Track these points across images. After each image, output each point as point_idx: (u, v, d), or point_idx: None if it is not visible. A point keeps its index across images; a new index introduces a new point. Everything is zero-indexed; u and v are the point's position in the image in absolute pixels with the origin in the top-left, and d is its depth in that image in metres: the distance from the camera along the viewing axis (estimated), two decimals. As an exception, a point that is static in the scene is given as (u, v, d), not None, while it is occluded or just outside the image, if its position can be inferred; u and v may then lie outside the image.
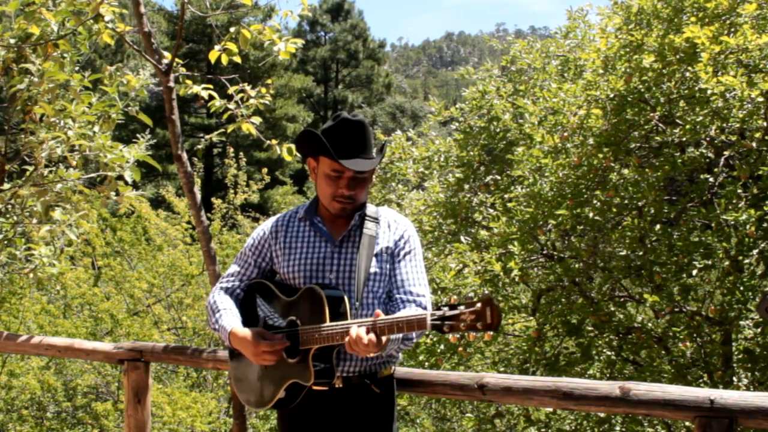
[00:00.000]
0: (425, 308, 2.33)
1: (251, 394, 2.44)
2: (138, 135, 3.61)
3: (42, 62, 3.57)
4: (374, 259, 2.35)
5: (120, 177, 3.57)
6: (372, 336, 2.10)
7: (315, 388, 2.29)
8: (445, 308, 2.02)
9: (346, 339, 2.13)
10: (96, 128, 3.65)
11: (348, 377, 2.31)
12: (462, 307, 1.99)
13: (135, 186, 3.64)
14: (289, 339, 2.29)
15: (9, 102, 3.72)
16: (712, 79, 4.19)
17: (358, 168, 2.29)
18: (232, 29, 3.57)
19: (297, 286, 2.36)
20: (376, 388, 2.35)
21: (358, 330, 2.11)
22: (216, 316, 2.42)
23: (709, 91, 4.24)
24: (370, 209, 2.43)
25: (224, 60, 3.61)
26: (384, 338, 2.12)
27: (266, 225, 2.53)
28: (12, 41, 3.60)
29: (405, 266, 2.38)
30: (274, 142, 3.82)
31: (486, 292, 2.06)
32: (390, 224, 2.42)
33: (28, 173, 3.78)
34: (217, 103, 3.75)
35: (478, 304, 1.97)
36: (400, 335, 2.20)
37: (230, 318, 2.39)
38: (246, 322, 2.41)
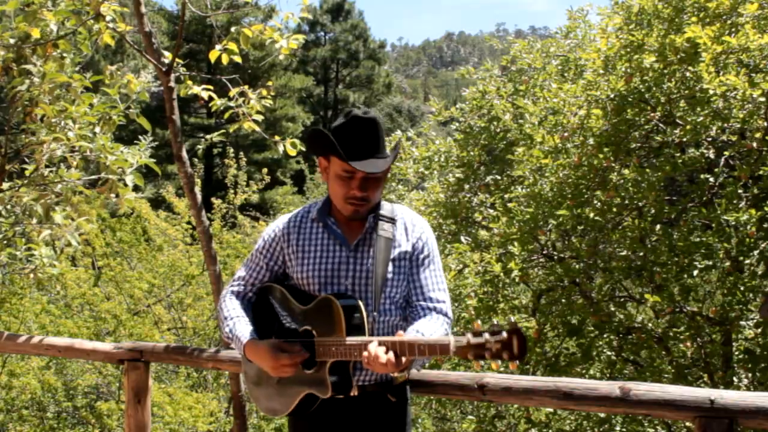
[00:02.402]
0: (446, 314, 2.27)
1: (266, 401, 2.39)
2: (139, 136, 3.61)
3: (42, 63, 3.57)
4: (391, 264, 2.27)
5: (121, 179, 3.57)
6: (391, 355, 2.02)
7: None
8: (469, 335, 1.92)
9: (364, 354, 2.05)
10: (97, 129, 3.65)
11: (363, 386, 2.26)
12: (487, 335, 1.90)
13: (136, 188, 3.64)
14: (305, 349, 2.23)
15: (9, 102, 3.71)
16: (715, 80, 4.18)
17: (370, 169, 2.17)
18: (233, 29, 3.58)
19: (312, 293, 2.28)
20: (392, 396, 2.29)
21: (377, 349, 2.03)
22: (229, 324, 2.33)
23: (711, 92, 4.23)
24: (386, 208, 2.34)
25: (225, 60, 3.61)
26: (404, 359, 2.04)
27: (277, 225, 2.42)
28: (12, 41, 3.60)
29: (424, 271, 2.31)
30: (277, 138, 3.82)
31: (512, 320, 1.93)
32: (407, 226, 2.33)
33: (28, 173, 3.77)
34: (218, 102, 3.76)
35: (504, 333, 1.88)
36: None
37: (244, 327, 2.31)
38: (259, 328, 2.33)
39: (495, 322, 1.92)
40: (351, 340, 2.11)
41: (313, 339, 2.21)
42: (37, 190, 3.68)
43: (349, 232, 2.31)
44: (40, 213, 3.57)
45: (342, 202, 2.26)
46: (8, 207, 3.94)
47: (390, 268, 2.26)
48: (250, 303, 2.43)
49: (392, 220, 2.32)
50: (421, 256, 2.32)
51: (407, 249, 2.30)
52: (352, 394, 2.23)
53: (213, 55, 3.62)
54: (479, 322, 1.97)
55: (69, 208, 3.69)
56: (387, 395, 2.29)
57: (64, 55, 3.68)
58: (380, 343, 2.05)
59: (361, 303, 2.20)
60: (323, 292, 2.25)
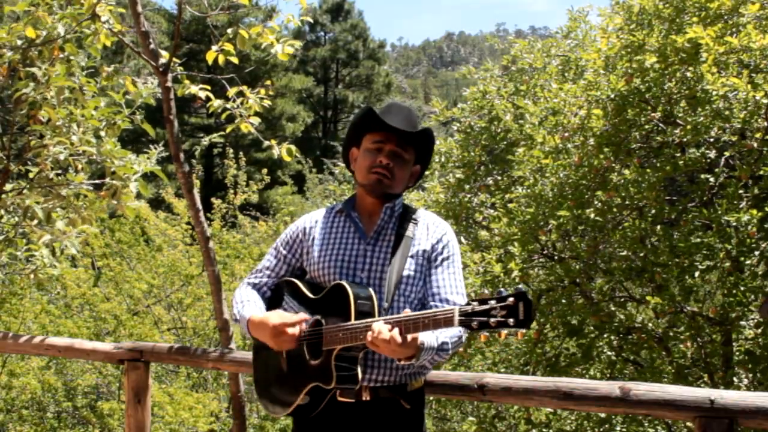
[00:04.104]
0: None
1: (271, 398, 2.34)
2: (142, 138, 3.61)
3: (48, 66, 3.56)
4: (409, 260, 2.24)
5: (125, 186, 3.57)
6: (396, 333, 1.96)
7: (340, 399, 2.17)
8: (474, 303, 1.87)
9: (368, 334, 1.99)
10: (102, 133, 3.65)
11: (376, 389, 2.18)
12: (492, 302, 1.84)
13: (138, 195, 3.63)
14: (314, 340, 2.20)
15: (14, 105, 3.71)
16: (718, 81, 4.18)
17: (398, 125, 2.22)
18: (230, 30, 3.57)
19: (327, 284, 2.26)
20: (406, 403, 2.21)
21: (380, 325, 1.98)
22: (238, 307, 2.34)
23: (714, 93, 4.23)
24: (409, 209, 2.36)
25: (221, 61, 3.61)
26: (410, 337, 1.98)
27: (301, 220, 2.44)
28: (19, 42, 3.60)
29: (442, 273, 2.26)
30: (273, 142, 3.81)
31: (520, 286, 1.87)
32: (429, 226, 2.32)
33: (32, 175, 3.77)
34: (216, 103, 3.74)
35: (511, 299, 1.83)
36: (435, 345, 2.09)
37: (251, 308, 2.30)
38: None
39: (501, 290, 1.87)
40: (358, 322, 2.07)
41: (322, 328, 2.18)
42: (41, 193, 3.68)
43: (369, 225, 2.32)
44: (41, 217, 3.56)
45: (366, 173, 2.28)
46: (10, 209, 3.95)
47: (407, 264, 2.24)
48: (266, 298, 2.41)
49: (414, 220, 2.32)
50: (440, 258, 2.28)
51: (426, 248, 2.28)
52: (363, 398, 2.17)
53: (210, 56, 3.62)
54: (486, 291, 1.91)
55: (73, 214, 3.68)
56: (401, 401, 2.21)
57: (71, 57, 3.67)
58: (385, 321, 2.01)
59: (373, 292, 2.17)
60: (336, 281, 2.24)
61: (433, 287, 2.25)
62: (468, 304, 1.89)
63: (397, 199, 2.34)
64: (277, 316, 2.20)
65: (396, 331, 1.97)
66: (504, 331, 1.85)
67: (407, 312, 2.02)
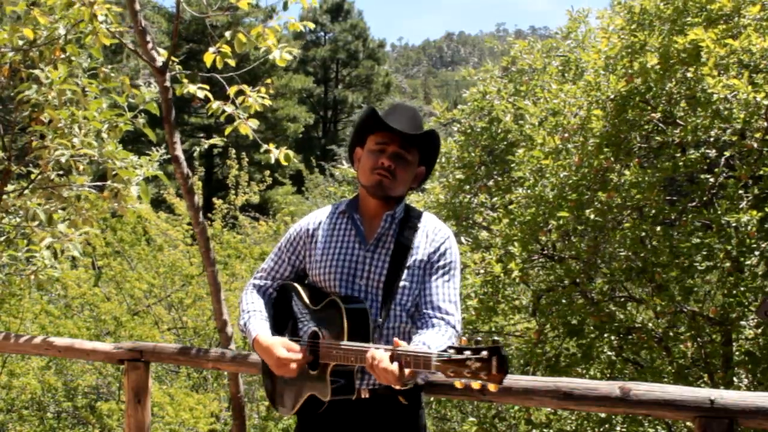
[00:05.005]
0: (453, 327, 2.24)
1: (277, 399, 2.41)
2: (142, 138, 3.63)
3: (50, 69, 3.56)
4: (406, 271, 2.26)
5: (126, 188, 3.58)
6: (396, 366, 1.97)
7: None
8: (452, 351, 1.87)
9: (368, 356, 2.01)
10: (104, 135, 3.66)
11: (374, 389, 2.24)
12: (468, 353, 1.83)
13: (139, 198, 3.64)
14: (311, 351, 2.25)
15: (16, 106, 3.71)
16: (719, 84, 4.17)
17: (403, 129, 2.22)
18: (227, 33, 3.57)
19: (327, 290, 2.29)
20: (404, 399, 2.26)
21: (383, 354, 1.99)
22: (245, 317, 2.36)
23: (714, 96, 4.23)
24: (411, 213, 2.36)
25: (219, 63, 3.60)
26: (407, 371, 1.99)
27: (304, 221, 2.45)
28: (20, 42, 3.59)
29: (436, 280, 2.28)
30: (271, 145, 3.79)
31: (495, 339, 1.83)
32: (428, 234, 2.32)
33: (33, 176, 3.77)
34: (214, 105, 3.73)
35: (484, 353, 1.81)
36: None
37: (258, 322, 2.33)
38: (275, 327, 2.35)
39: (478, 339, 1.85)
40: (350, 345, 2.11)
41: (319, 341, 2.22)
42: (43, 195, 3.68)
43: (370, 230, 2.33)
44: (43, 218, 3.56)
45: (369, 174, 2.28)
46: (11, 210, 3.95)
47: (405, 275, 2.26)
48: (271, 299, 2.43)
49: (415, 227, 2.32)
50: (437, 265, 2.30)
51: (424, 258, 2.29)
52: (363, 396, 2.22)
53: (208, 59, 3.61)
54: (465, 338, 1.91)
55: (75, 216, 3.68)
56: (398, 398, 2.25)
57: (73, 59, 3.67)
58: (386, 350, 2.02)
59: (367, 307, 2.20)
60: (338, 290, 2.26)
61: (426, 294, 2.27)
62: (445, 350, 1.89)
63: (398, 205, 2.35)
64: (282, 347, 2.22)
65: (396, 364, 1.98)
66: (479, 382, 1.83)
67: (398, 342, 2.01)
